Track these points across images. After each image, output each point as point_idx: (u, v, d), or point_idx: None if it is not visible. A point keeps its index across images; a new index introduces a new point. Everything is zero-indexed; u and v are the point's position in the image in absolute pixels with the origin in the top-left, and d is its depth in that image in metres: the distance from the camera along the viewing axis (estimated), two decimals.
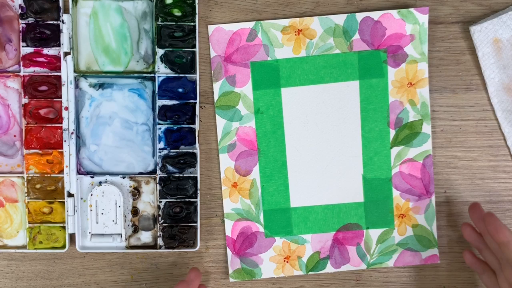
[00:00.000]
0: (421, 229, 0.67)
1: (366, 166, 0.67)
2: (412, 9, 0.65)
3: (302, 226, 0.67)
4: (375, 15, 0.65)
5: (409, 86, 0.66)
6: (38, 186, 0.65)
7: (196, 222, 0.65)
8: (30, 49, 0.64)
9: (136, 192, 0.66)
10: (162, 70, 0.65)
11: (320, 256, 0.67)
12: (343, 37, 0.65)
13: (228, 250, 0.67)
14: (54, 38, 0.64)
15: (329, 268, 0.68)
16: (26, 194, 0.65)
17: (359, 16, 0.65)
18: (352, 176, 0.67)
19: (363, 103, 0.66)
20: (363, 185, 0.67)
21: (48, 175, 0.65)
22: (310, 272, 0.68)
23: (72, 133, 0.64)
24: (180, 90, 0.65)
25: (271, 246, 0.67)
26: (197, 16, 0.64)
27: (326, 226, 0.67)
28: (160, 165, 0.65)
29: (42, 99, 0.64)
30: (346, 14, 0.65)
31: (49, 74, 0.64)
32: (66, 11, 0.64)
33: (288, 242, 0.67)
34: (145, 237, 0.67)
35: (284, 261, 0.67)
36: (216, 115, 0.67)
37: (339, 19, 0.65)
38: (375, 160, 0.67)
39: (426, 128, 0.67)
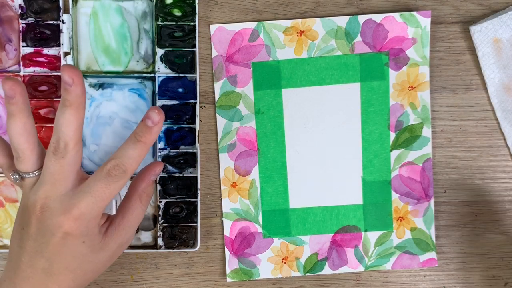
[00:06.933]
0: (420, 232, 0.67)
1: (366, 169, 0.67)
2: (414, 13, 0.64)
3: (301, 227, 0.67)
4: (377, 17, 0.65)
5: (410, 89, 0.66)
6: None
7: (196, 222, 0.66)
8: (30, 49, 0.63)
9: None
10: (162, 70, 0.64)
11: (318, 258, 0.68)
12: (345, 39, 0.65)
13: (226, 250, 0.67)
14: (54, 38, 0.63)
15: (327, 270, 0.68)
16: None
17: (361, 18, 0.65)
18: (352, 178, 0.67)
19: (364, 106, 0.66)
20: (362, 187, 0.67)
21: None
22: (308, 274, 0.68)
23: None
24: (180, 90, 0.65)
25: (269, 247, 0.68)
26: (197, 16, 0.64)
27: (324, 227, 0.68)
28: None
29: (42, 99, 0.64)
30: (348, 16, 0.65)
31: (49, 74, 0.64)
32: (66, 11, 0.63)
33: (286, 243, 0.68)
34: (145, 237, 0.67)
35: (282, 262, 0.68)
36: (217, 115, 0.66)
37: (341, 21, 0.65)
38: (375, 162, 0.67)
39: (426, 132, 0.66)
